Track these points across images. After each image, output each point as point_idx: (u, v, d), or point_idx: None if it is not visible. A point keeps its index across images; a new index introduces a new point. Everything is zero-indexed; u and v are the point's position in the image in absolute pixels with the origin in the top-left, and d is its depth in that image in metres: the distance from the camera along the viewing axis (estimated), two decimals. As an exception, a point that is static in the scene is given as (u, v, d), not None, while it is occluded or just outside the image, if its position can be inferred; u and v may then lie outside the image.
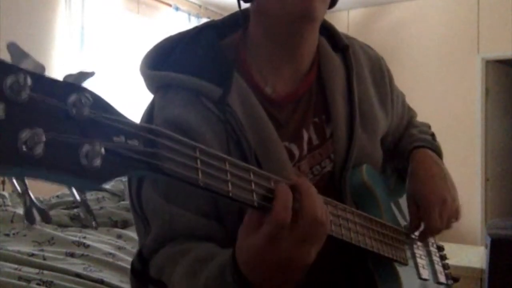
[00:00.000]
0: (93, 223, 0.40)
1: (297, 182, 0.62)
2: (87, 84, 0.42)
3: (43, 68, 0.37)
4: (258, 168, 0.61)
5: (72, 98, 0.38)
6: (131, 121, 0.45)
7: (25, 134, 0.35)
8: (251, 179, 0.59)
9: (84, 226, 2.41)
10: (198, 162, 0.51)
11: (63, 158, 0.37)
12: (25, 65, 0.36)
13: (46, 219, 0.36)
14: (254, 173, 0.59)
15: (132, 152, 0.43)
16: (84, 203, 0.39)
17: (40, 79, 0.36)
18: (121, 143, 0.42)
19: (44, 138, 0.35)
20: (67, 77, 0.40)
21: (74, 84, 0.39)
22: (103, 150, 0.40)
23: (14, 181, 0.37)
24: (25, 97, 0.35)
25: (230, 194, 0.55)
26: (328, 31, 0.98)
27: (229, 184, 0.55)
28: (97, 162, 0.39)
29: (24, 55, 0.36)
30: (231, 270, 0.63)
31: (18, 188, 0.36)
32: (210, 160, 0.53)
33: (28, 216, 0.34)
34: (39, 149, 0.35)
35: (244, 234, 0.62)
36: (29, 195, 0.36)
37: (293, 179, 0.63)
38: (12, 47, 0.36)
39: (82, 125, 0.39)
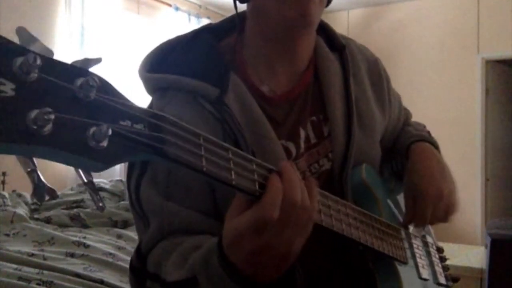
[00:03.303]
0: (100, 204, 0.40)
1: (280, 168, 0.61)
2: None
3: (51, 52, 0.37)
4: None
5: (80, 80, 0.39)
6: (137, 105, 0.46)
7: (34, 113, 0.35)
8: (254, 169, 0.59)
9: (84, 226, 2.42)
10: (202, 149, 0.52)
11: (71, 138, 0.38)
12: (33, 48, 0.36)
13: (54, 196, 0.36)
14: (256, 164, 0.60)
15: (138, 135, 0.44)
16: (90, 184, 0.39)
17: (49, 61, 0.37)
18: (127, 127, 0.43)
19: (53, 117, 0.36)
20: (74, 62, 0.41)
21: (82, 68, 0.40)
22: (110, 132, 0.41)
23: (23, 160, 0.37)
24: (34, 77, 0.35)
25: (234, 182, 0.55)
26: (325, 31, 0.99)
27: (232, 173, 0.56)
28: (104, 144, 0.40)
29: (32, 39, 0.37)
30: (216, 252, 0.62)
31: (27, 167, 0.37)
32: (214, 148, 0.54)
33: (37, 193, 0.35)
34: (48, 128, 0.36)
35: (229, 216, 0.61)
36: (37, 173, 0.36)
37: (279, 165, 0.62)
38: (21, 31, 0.37)
39: (89, 107, 0.40)
